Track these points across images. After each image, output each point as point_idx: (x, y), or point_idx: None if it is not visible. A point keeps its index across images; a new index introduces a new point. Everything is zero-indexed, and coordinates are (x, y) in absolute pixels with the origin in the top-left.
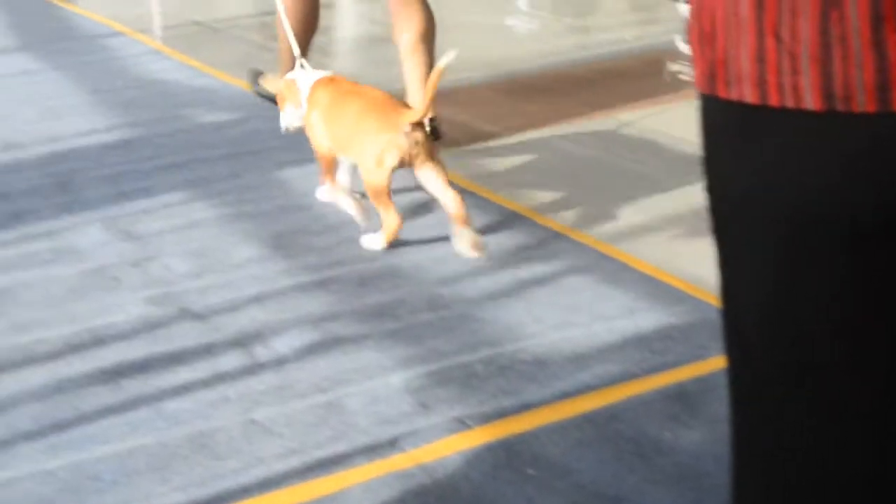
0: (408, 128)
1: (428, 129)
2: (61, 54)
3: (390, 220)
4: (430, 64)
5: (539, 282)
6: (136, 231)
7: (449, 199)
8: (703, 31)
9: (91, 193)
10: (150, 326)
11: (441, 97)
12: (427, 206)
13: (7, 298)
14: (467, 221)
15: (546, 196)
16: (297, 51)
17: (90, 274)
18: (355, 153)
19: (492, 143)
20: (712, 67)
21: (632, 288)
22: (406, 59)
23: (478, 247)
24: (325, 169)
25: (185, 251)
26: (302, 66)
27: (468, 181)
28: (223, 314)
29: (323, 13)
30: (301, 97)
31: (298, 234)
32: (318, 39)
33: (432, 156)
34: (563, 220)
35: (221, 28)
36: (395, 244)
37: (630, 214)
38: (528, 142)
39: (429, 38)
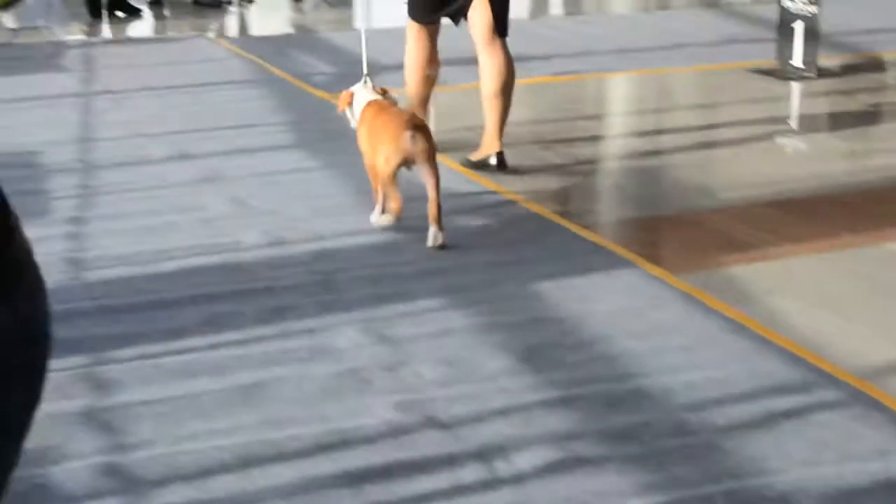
0: (410, 136)
1: (495, 161)
2: (334, 153)
3: (392, 203)
4: (507, 110)
5: (787, 414)
6: (392, 335)
7: (431, 200)
8: None
9: (352, 294)
10: (396, 432)
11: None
12: (676, 331)
13: (263, 393)
14: (437, 221)
15: (800, 322)
16: (365, 68)
17: (344, 375)
18: (376, 156)
19: (752, 258)
20: None
21: (886, 428)
22: (486, 101)
23: (436, 241)
24: (374, 183)
25: (437, 358)
26: (365, 82)
27: (720, 301)
28: (468, 425)
29: (591, 124)
30: (356, 113)
31: (549, 348)
32: (582, 150)
33: (430, 159)
34: (816, 349)
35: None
36: (649, 366)
37: (887, 348)
38: (785, 261)
39: (509, 89)
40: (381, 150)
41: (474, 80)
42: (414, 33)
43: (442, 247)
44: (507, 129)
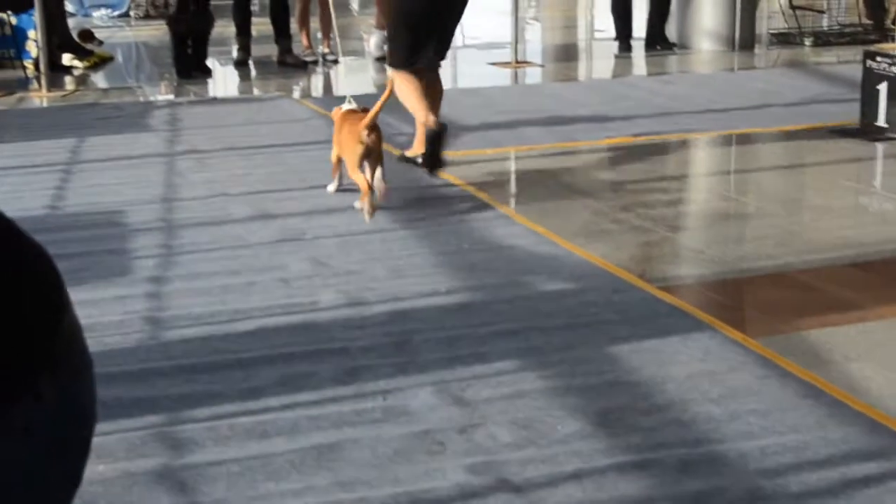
0: (366, 132)
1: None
2: (413, 213)
3: (362, 184)
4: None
5: (865, 481)
6: (466, 397)
7: (377, 184)
8: None
9: (427, 355)
10: (468, 495)
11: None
12: (752, 396)
13: (335, 454)
14: (373, 205)
15: (880, 387)
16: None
17: (417, 436)
18: (343, 150)
19: (832, 321)
20: None
21: None
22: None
23: (368, 212)
24: (335, 169)
25: (511, 420)
26: (349, 101)
27: (798, 365)
28: (541, 489)
29: (674, 185)
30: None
31: (624, 412)
32: (665, 212)
33: (377, 151)
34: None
35: (570, 195)
36: (725, 431)
37: None
38: (866, 325)
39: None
40: (347, 147)
41: None
42: (400, 80)
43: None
44: (589, 190)
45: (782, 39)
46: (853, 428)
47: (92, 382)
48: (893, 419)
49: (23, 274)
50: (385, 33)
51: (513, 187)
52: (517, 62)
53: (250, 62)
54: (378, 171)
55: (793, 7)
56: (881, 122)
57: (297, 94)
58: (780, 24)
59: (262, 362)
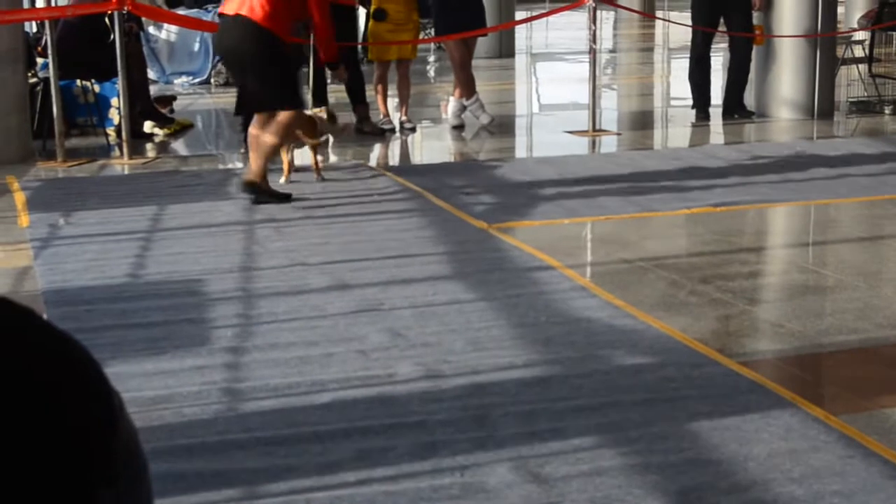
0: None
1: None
2: (491, 285)
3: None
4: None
5: None
6: (544, 473)
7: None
8: None
9: (504, 430)
10: None
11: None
12: (835, 476)
13: None
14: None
15: None
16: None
17: None
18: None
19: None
20: None
21: None
22: None
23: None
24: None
25: (590, 499)
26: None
27: (882, 445)
28: None
29: (752, 257)
30: None
31: (705, 491)
32: (743, 284)
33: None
34: None
35: (648, 267)
36: None
37: None
38: None
39: None
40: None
41: None
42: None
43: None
44: (667, 263)
45: (861, 108)
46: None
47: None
48: None
49: (75, 382)
50: (464, 101)
51: (590, 258)
52: (594, 130)
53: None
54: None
55: (872, 75)
56: None
57: (373, 162)
58: (859, 92)
59: (339, 436)
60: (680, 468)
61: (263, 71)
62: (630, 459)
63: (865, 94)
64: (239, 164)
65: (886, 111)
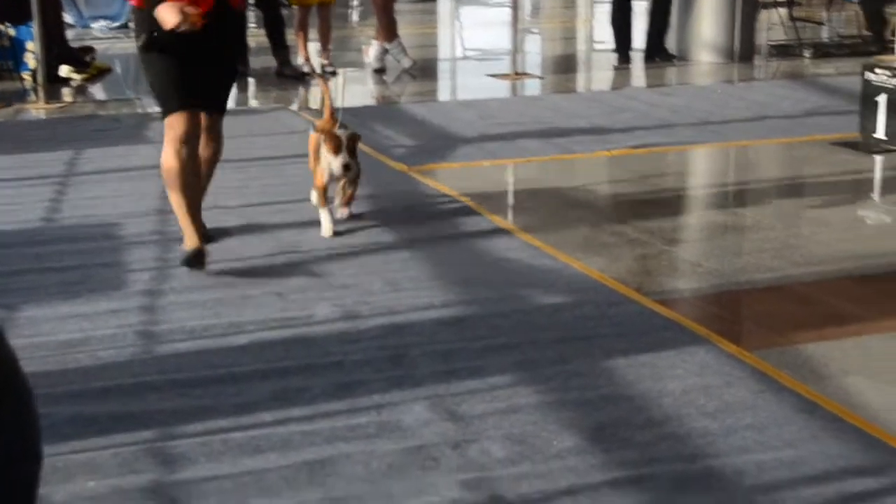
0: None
1: None
2: (412, 226)
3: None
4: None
5: (861, 496)
6: (460, 411)
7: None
8: None
9: (422, 370)
10: None
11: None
12: (748, 410)
13: (327, 469)
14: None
15: (877, 401)
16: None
17: (410, 452)
18: None
19: (829, 335)
20: None
21: None
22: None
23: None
24: None
25: (505, 436)
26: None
27: (794, 380)
28: None
29: (669, 197)
30: None
31: (620, 427)
32: (663, 224)
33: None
34: (893, 429)
35: (568, 208)
36: (720, 446)
37: None
38: (864, 338)
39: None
40: None
41: None
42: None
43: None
44: (588, 202)
45: (782, 51)
46: (849, 443)
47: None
48: (890, 434)
49: None
50: (386, 45)
51: (510, 200)
52: (516, 74)
53: (248, 73)
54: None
55: (793, 18)
56: (880, 134)
57: (295, 106)
58: (779, 36)
59: (256, 377)
60: (595, 404)
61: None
62: (546, 396)
63: (786, 37)
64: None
65: (806, 54)
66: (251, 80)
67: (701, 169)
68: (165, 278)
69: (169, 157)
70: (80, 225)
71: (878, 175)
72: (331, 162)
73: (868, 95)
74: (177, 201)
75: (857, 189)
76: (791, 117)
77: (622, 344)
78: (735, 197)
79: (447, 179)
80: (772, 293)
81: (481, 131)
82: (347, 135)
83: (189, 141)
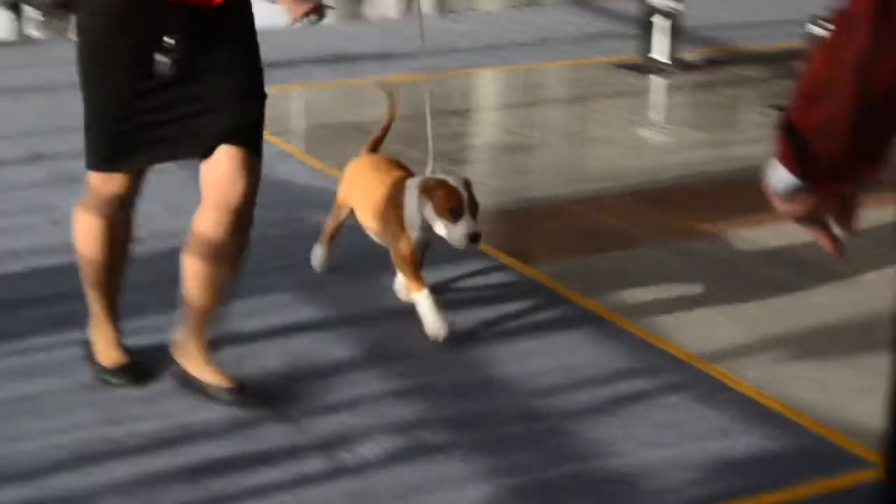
0: None
1: None
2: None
3: None
4: None
5: (633, 398)
6: (237, 329)
7: None
8: None
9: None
10: (239, 426)
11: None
12: (527, 319)
13: (105, 391)
14: None
15: (651, 308)
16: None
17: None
18: None
19: (607, 247)
20: None
21: (728, 408)
22: None
23: None
24: None
25: (284, 352)
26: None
27: (571, 290)
28: (313, 417)
29: (458, 120)
30: None
31: (397, 341)
32: (448, 146)
33: None
34: (665, 334)
35: (352, 132)
36: (498, 353)
37: (734, 332)
38: (639, 249)
39: None
40: None
41: None
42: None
43: None
44: (372, 126)
45: None
46: (624, 348)
47: None
48: (661, 338)
49: None
50: None
51: (294, 124)
52: None
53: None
54: None
55: None
56: (658, 55)
57: (72, 35)
58: None
59: (32, 302)
60: (374, 320)
61: None
62: (326, 313)
63: None
64: None
65: None
66: (27, 9)
67: (487, 92)
68: None
69: None
70: None
71: (656, 95)
72: (449, 229)
73: (646, 17)
74: None
75: (636, 109)
76: (574, 41)
77: None
78: (520, 118)
79: None
80: (554, 211)
81: (267, 59)
82: (463, 182)
83: None
